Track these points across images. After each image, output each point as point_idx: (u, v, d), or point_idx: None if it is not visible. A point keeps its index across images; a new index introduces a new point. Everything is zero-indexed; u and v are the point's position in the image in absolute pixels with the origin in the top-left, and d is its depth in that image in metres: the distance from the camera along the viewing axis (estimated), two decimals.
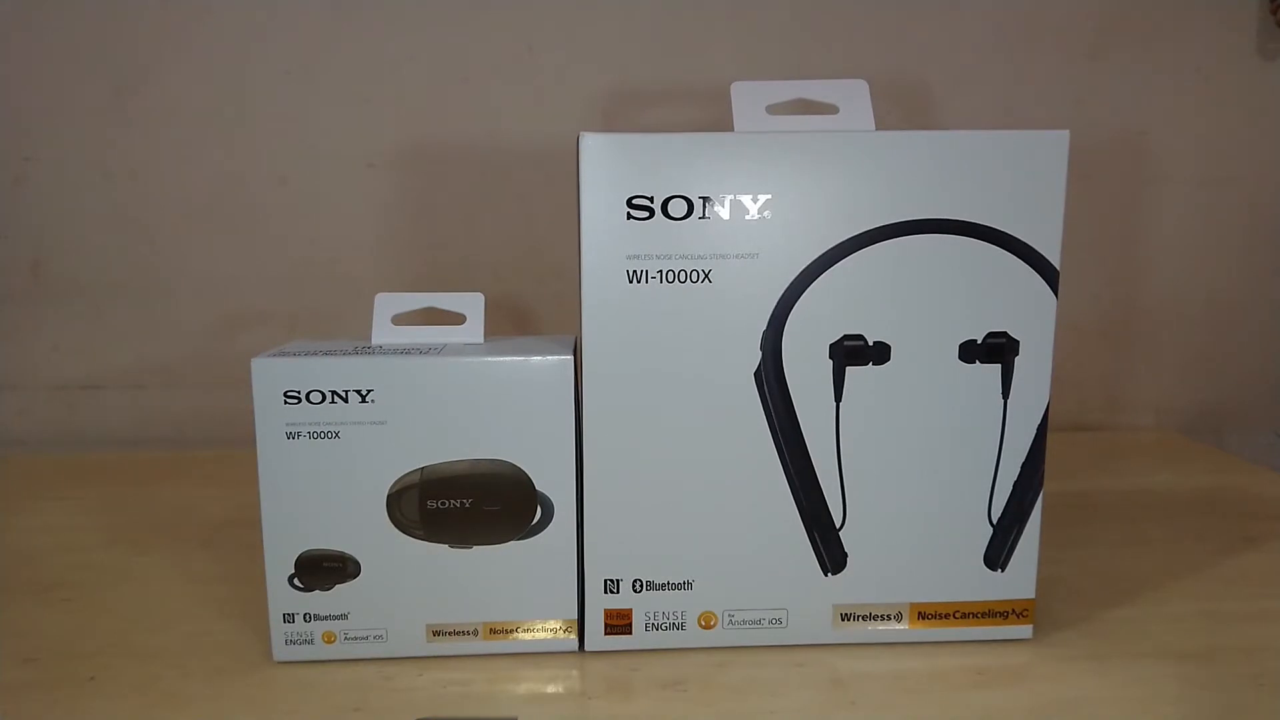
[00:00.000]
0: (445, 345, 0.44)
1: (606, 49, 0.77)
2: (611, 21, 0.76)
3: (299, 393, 0.40)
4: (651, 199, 0.40)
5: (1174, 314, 0.85)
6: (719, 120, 0.42)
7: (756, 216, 0.40)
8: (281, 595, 0.42)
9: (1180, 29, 0.80)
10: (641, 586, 0.43)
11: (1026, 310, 0.41)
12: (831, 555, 0.43)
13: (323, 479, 0.41)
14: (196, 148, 0.76)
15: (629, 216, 0.40)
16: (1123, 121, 0.81)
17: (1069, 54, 0.79)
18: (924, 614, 0.44)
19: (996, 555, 0.43)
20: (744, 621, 0.44)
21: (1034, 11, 0.78)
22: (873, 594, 0.44)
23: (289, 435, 0.41)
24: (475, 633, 0.43)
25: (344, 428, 0.41)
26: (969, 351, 0.42)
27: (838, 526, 0.43)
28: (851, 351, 0.41)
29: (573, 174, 0.40)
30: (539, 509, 0.42)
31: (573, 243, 0.40)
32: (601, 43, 0.77)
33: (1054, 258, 0.41)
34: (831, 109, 0.41)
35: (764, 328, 0.41)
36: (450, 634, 0.43)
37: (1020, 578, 0.44)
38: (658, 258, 0.40)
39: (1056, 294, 0.41)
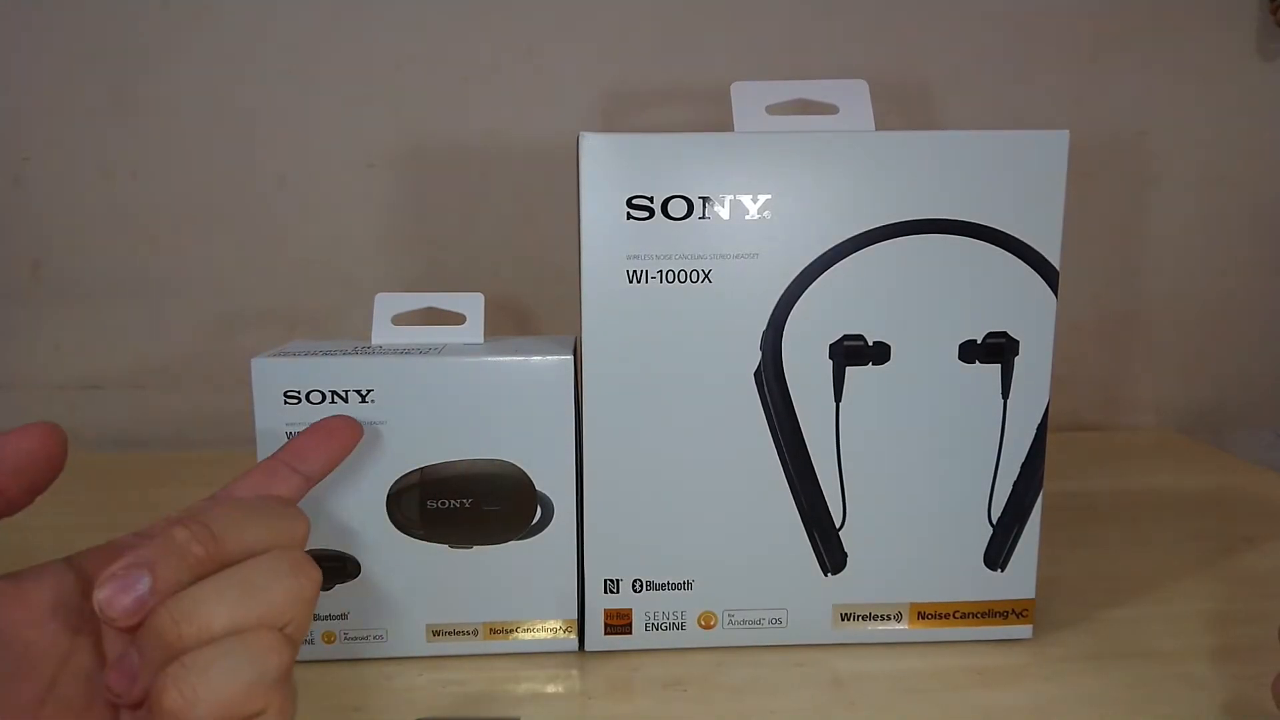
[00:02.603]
0: (445, 345, 0.44)
1: (606, 49, 0.77)
2: (611, 21, 0.76)
3: (299, 393, 0.40)
4: (651, 199, 0.40)
5: (1174, 314, 0.85)
6: (719, 120, 0.42)
7: (756, 216, 0.40)
8: None
9: (1180, 29, 0.80)
10: (641, 586, 0.43)
11: (1026, 310, 0.41)
12: (831, 555, 0.43)
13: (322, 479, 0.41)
14: (196, 148, 0.76)
15: (629, 216, 0.40)
16: (1123, 121, 0.81)
17: (1069, 54, 0.79)
18: (924, 614, 0.44)
19: (996, 555, 0.43)
20: (744, 621, 0.44)
21: (1034, 11, 0.78)
22: (873, 594, 0.44)
23: (289, 435, 0.41)
24: (475, 633, 0.43)
25: None
26: (969, 351, 0.42)
27: (838, 526, 0.43)
28: (851, 351, 0.41)
29: (573, 174, 0.40)
30: (539, 509, 0.42)
31: (573, 243, 0.40)
32: (601, 43, 0.77)
33: (1054, 258, 0.41)
34: (831, 109, 0.41)
35: (764, 328, 0.41)
36: (450, 634, 0.43)
37: (1020, 578, 0.44)
38: (658, 258, 0.40)
39: (1056, 294, 0.41)
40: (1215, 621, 0.46)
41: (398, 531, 0.42)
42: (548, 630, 0.43)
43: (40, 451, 0.24)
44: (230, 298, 0.79)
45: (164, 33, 0.74)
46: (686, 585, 0.43)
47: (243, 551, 0.24)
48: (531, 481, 0.42)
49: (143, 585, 0.21)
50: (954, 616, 0.44)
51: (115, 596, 0.21)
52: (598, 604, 0.43)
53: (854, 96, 0.41)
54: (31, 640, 0.23)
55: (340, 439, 0.31)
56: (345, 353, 0.42)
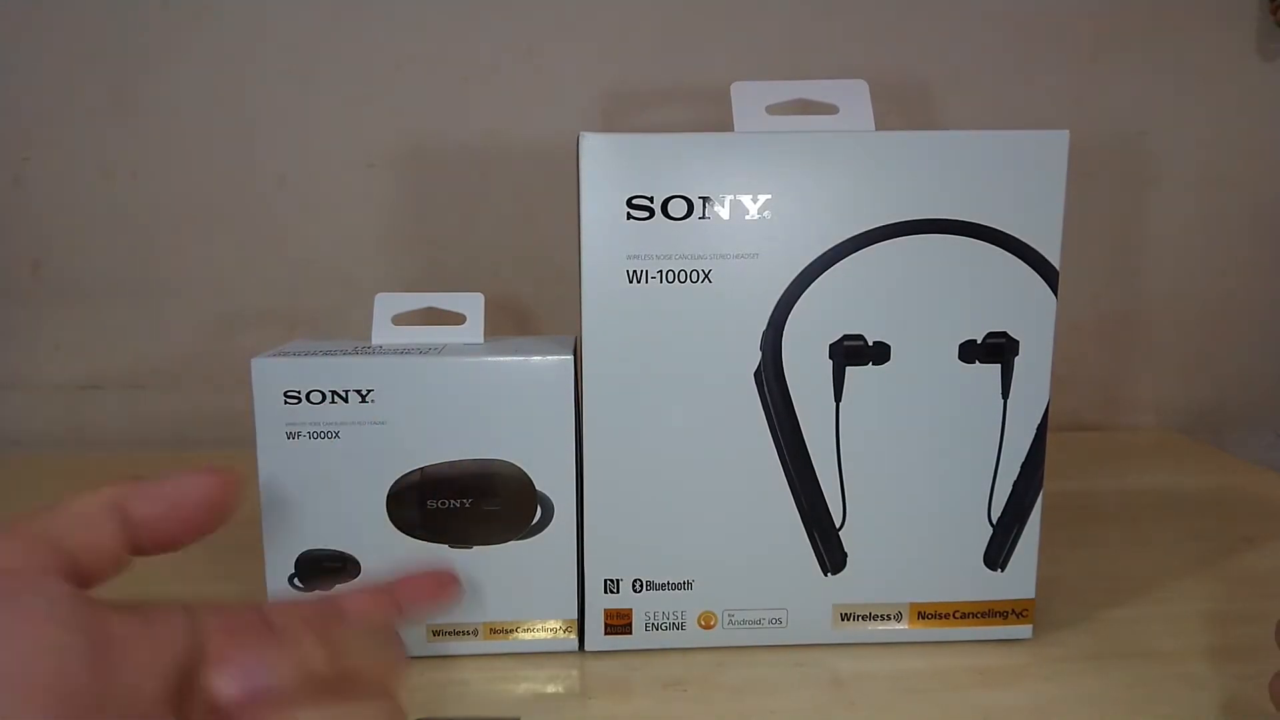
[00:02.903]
0: (445, 345, 0.44)
1: (606, 49, 0.77)
2: (611, 21, 0.76)
3: (299, 393, 0.40)
4: (651, 199, 0.40)
5: (1174, 314, 0.85)
6: (719, 120, 0.42)
7: (756, 216, 0.40)
8: (282, 595, 0.42)
9: (1180, 29, 0.80)
10: (641, 586, 0.43)
11: (1026, 310, 0.41)
12: (831, 555, 0.43)
13: (323, 479, 0.41)
14: (196, 148, 0.76)
15: (629, 216, 0.40)
16: (1123, 121, 0.81)
17: (1069, 54, 0.79)
18: (924, 614, 0.44)
19: (996, 555, 0.43)
20: (744, 621, 0.44)
21: (1034, 11, 0.78)
22: (873, 594, 0.44)
23: (289, 435, 0.41)
24: (475, 633, 0.43)
25: (344, 428, 0.41)
26: (969, 351, 0.42)
27: (838, 526, 0.43)
28: (851, 351, 0.41)
29: (573, 174, 0.40)
30: (539, 509, 0.42)
31: (573, 243, 0.40)
32: (601, 43, 0.77)
33: (1054, 258, 0.41)
34: (831, 109, 0.41)
35: (764, 328, 0.41)
36: (450, 634, 0.43)
37: (1020, 577, 0.44)
38: (658, 258, 0.40)
39: (1056, 294, 0.41)
40: (1215, 621, 0.46)
41: (398, 531, 0.42)
42: (548, 630, 0.43)
43: (212, 502, 0.26)
44: (230, 298, 0.79)
45: (164, 33, 0.74)
46: (686, 585, 0.43)
47: (348, 673, 0.24)
48: (531, 481, 0.42)
49: (262, 680, 0.23)
50: (954, 616, 0.44)
51: (232, 685, 0.22)
52: (598, 604, 0.43)
53: (854, 96, 0.41)
54: (143, 691, 0.21)
55: (444, 596, 0.31)
56: (345, 353, 0.42)
